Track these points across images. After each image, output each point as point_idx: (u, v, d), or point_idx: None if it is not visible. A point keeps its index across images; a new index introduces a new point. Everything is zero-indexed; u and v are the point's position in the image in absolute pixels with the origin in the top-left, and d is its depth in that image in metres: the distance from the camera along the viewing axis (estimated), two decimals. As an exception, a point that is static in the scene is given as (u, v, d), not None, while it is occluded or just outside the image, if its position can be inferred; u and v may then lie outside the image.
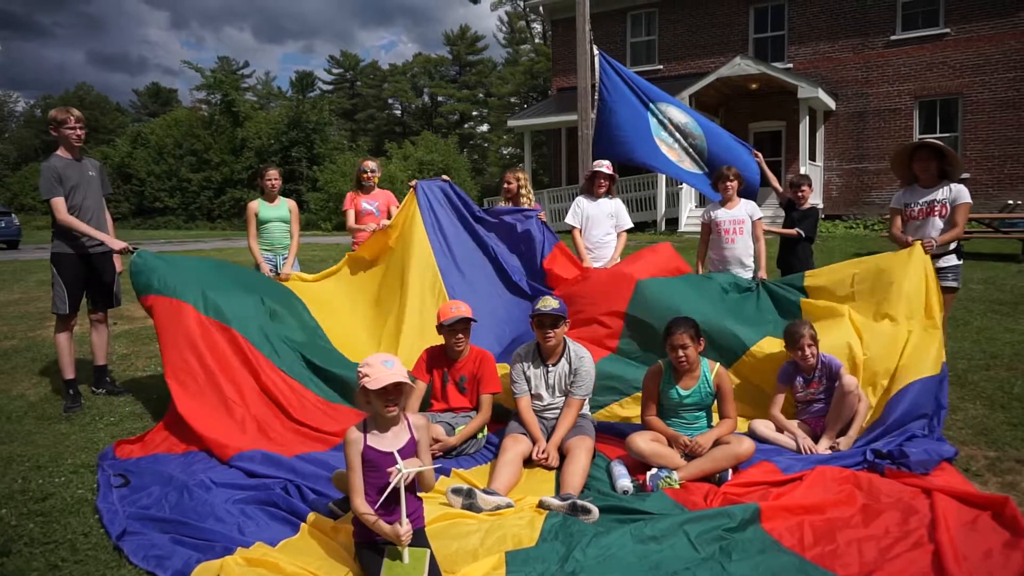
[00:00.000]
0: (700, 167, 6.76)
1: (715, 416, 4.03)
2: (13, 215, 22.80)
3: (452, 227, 6.00)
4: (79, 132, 4.96)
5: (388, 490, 2.57)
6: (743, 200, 5.90)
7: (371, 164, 6.58)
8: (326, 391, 4.65)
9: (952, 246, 4.85)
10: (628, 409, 4.48)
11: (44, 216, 35.02)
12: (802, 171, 15.39)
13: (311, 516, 3.14)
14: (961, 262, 4.96)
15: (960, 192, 4.75)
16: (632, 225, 6.33)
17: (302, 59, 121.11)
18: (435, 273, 5.71)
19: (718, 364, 3.98)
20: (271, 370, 4.54)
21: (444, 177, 6.28)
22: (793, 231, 6.17)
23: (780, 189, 6.78)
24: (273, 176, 6.23)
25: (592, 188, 6.28)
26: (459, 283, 5.72)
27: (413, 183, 6.05)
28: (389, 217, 6.47)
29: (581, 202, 6.25)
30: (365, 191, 6.49)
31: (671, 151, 6.81)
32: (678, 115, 6.85)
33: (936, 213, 4.80)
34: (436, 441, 3.89)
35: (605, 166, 6.27)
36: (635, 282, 5.18)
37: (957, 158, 4.87)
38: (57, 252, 4.92)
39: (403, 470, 2.56)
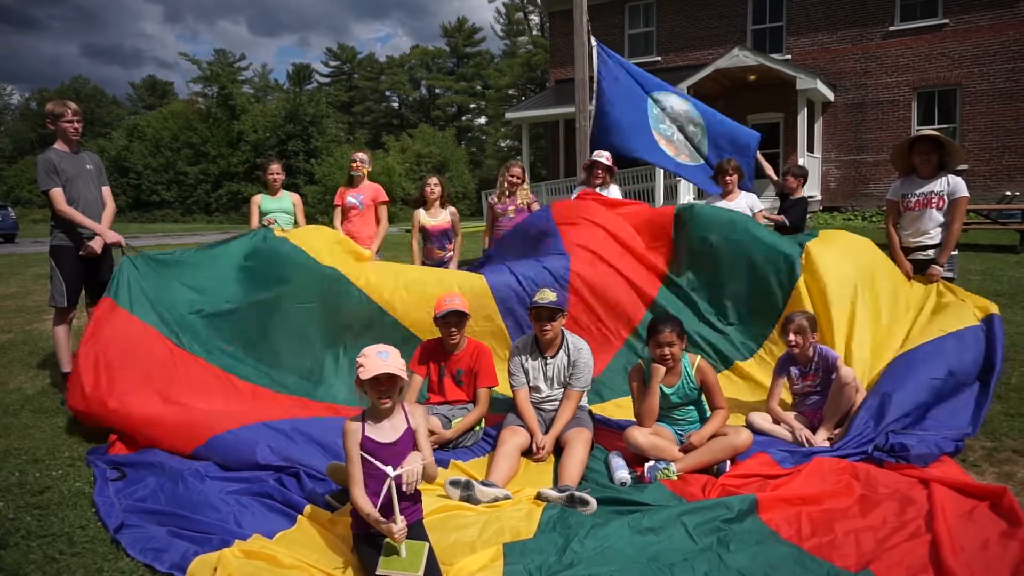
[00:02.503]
0: (697, 159, 6.75)
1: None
2: (10, 208, 22.76)
3: None
4: (76, 125, 4.93)
5: (382, 496, 2.56)
6: (743, 193, 5.94)
7: (359, 155, 6.59)
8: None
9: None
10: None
11: (41, 209, 34.92)
12: (800, 163, 15.37)
13: (308, 508, 3.14)
14: (957, 252, 4.96)
15: (958, 186, 4.75)
16: None
17: (298, 52, 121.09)
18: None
19: (698, 357, 3.96)
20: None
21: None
22: (779, 217, 6.35)
23: (775, 178, 6.86)
24: (275, 170, 6.23)
25: (589, 179, 6.31)
26: None
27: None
28: (375, 210, 6.43)
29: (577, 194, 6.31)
30: (354, 183, 6.49)
31: (669, 145, 6.80)
32: (679, 103, 6.82)
33: (933, 205, 4.79)
34: (432, 433, 3.88)
35: (605, 157, 6.27)
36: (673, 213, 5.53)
37: (957, 148, 4.87)
38: (56, 245, 4.90)
39: (392, 474, 2.55)
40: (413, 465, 2.61)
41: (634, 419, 3.98)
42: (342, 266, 5.08)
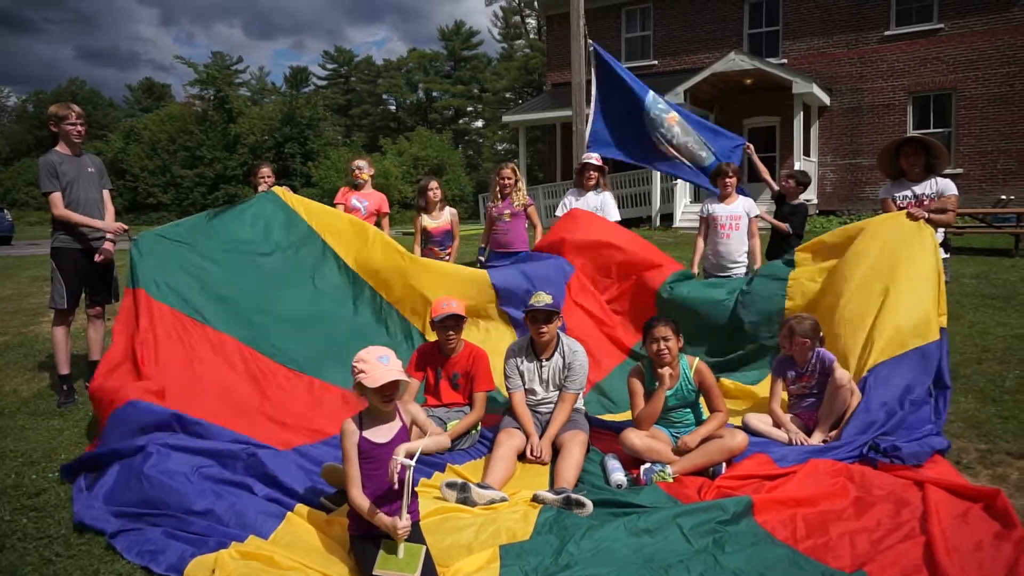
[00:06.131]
0: (702, 159, 6.70)
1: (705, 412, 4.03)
2: (5, 211, 22.72)
3: None
4: (80, 128, 4.94)
5: (396, 476, 2.56)
6: (741, 197, 5.94)
7: (359, 162, 6.62)
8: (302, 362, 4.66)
9: (940, 236, 4.86)
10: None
11: (37, 212, 34.89)
12: (796, 167, 15.41)
13: (304, 509, 3.14)
14: (949, 256, 4.98)
15: (946, 185, 4.79)
16: (619, 218, 6.28)
17: (293, 55, 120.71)
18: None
19: (696, 359, 3.96)
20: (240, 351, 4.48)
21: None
22: (784, 225, 6.21)
23: (772, 182, 6.81)
24: (265, 174, 6.20)
25: (581, 181, 6.31)
26: None
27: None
28: (377, 219, 6.44)
29: (568, 198, 6.34)
30: (357, 188, 6.51)
31: (668, 147, 6.81)
32: (673, 116, 6.85)
33: (923, 208, 4.81)
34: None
35: (594, 158, 6.30)
36: (655, 294, 5.51)
37: (943, 150, 4.89)
38: (58, 247, 4.89)
39: (400, 460, 2.54)
40: (417, 443, 2.65)
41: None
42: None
